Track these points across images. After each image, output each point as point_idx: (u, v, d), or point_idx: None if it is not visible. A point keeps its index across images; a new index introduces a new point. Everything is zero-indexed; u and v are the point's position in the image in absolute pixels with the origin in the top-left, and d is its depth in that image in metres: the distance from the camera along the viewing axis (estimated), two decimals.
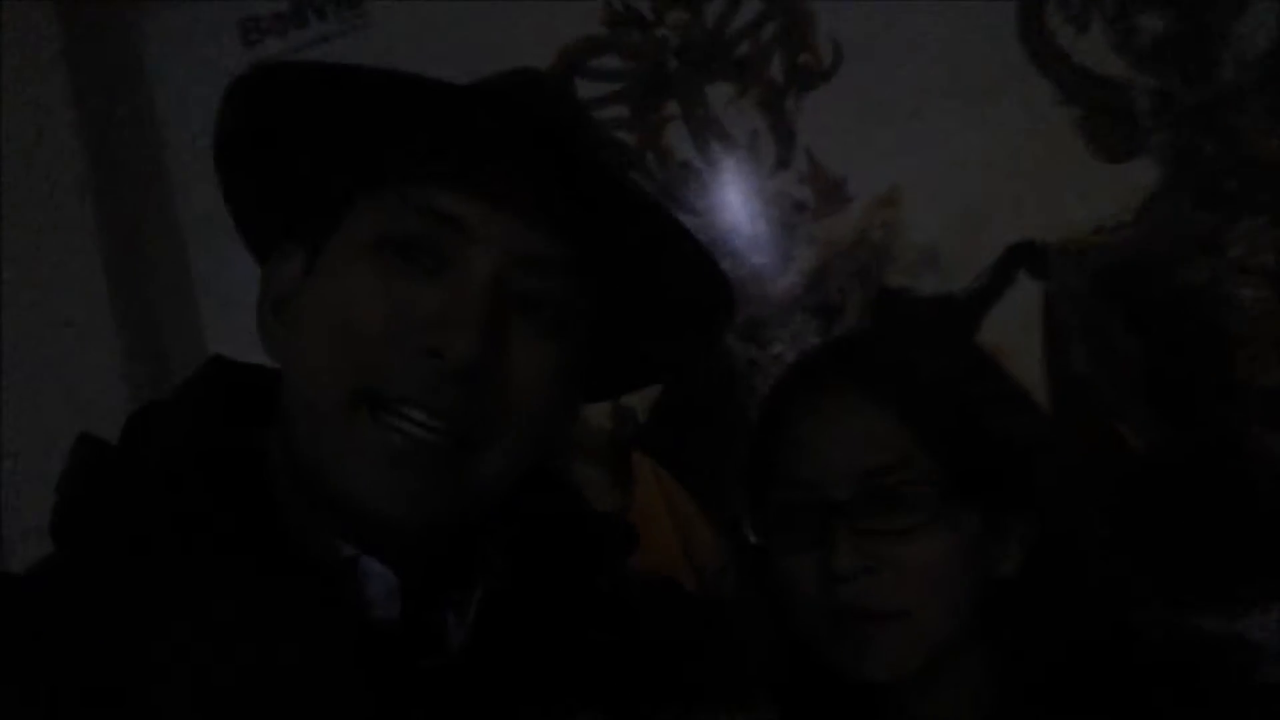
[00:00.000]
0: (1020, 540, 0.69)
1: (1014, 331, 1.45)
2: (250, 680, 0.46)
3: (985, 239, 1.48)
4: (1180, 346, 1.34)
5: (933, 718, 0.69)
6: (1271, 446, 1.27)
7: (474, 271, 0.52)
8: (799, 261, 1.58)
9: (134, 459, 0.54)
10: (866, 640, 0.65)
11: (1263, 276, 1.33)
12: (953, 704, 0.68)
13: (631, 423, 1.55)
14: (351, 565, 0.54)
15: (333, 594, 0.52)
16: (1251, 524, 1.25)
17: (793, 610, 0.68)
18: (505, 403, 0.53)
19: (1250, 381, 1.30)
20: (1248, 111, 1.38)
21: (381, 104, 0.52)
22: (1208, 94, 1.40)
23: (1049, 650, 0.65)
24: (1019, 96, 1.45)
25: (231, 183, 0.60)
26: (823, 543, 0.66)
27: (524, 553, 0.61)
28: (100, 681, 0.45)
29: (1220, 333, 1.31)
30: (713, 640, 0.70)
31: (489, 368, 0.51)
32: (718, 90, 1.63)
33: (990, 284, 1.48)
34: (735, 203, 1.62)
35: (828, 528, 0.66)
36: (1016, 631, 0.66)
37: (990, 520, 0.68)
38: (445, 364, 0.49)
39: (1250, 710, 0.62)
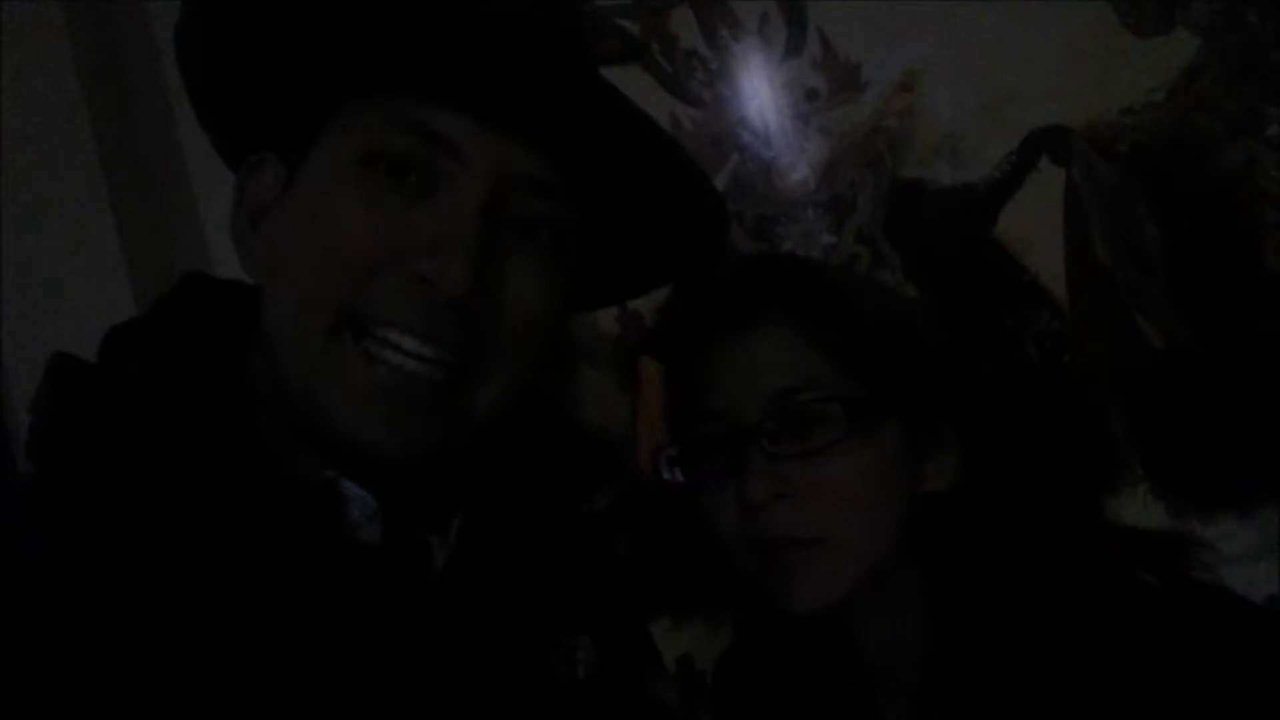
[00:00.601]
0: (947, 452, 0.66)
1: (1035, 222, 1.39)
2: (230, 609, 0.46)
3: (1007, 125, 1.41)
4: (1209, 236, 1.27)
5: (876, 646, 0.68)
6: None
7: (466, 195, 0.50)
8: (810, 154, 1.52)
9: (108, 381, 0.52)
10: (789, 570, 0.63)
11: None
12: (893, 631, 0.66)
13: (638, 327, 1.53)
14: (332, 488, 0.53)
15: (312, 518, 0.52)
16: (1272, 426, 1.20)
17: (722, 546, 0.67)
18: (499, 330, 0.52)
19: None
20: None
21: (374, 9, 0.49)
22: None
23: (981, 572, 0.62)
24: None
25: (202, 79, 0.56)
26: (737, 473, 0.64)
27: (508, 476, 0.60)
28: (77, 618, 0.45)
29: (1252, 221, 1.24)
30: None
31: (482, 295, 0.49)
32: None
33: (1011, 172, 1.41)
34: (744, 93, 1.55)
35: (741, 456, 0.64)
36: (948, 552, 0.64)
37: (912, 434, 0.65)
38: (437, 291, 0.48)
39: (1199, 616, 0.59)
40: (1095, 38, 1.34)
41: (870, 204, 1.48)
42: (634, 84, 1.65)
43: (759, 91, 1.55)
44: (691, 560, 0.75)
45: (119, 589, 0.46)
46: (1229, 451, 1.24)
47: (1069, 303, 1.35)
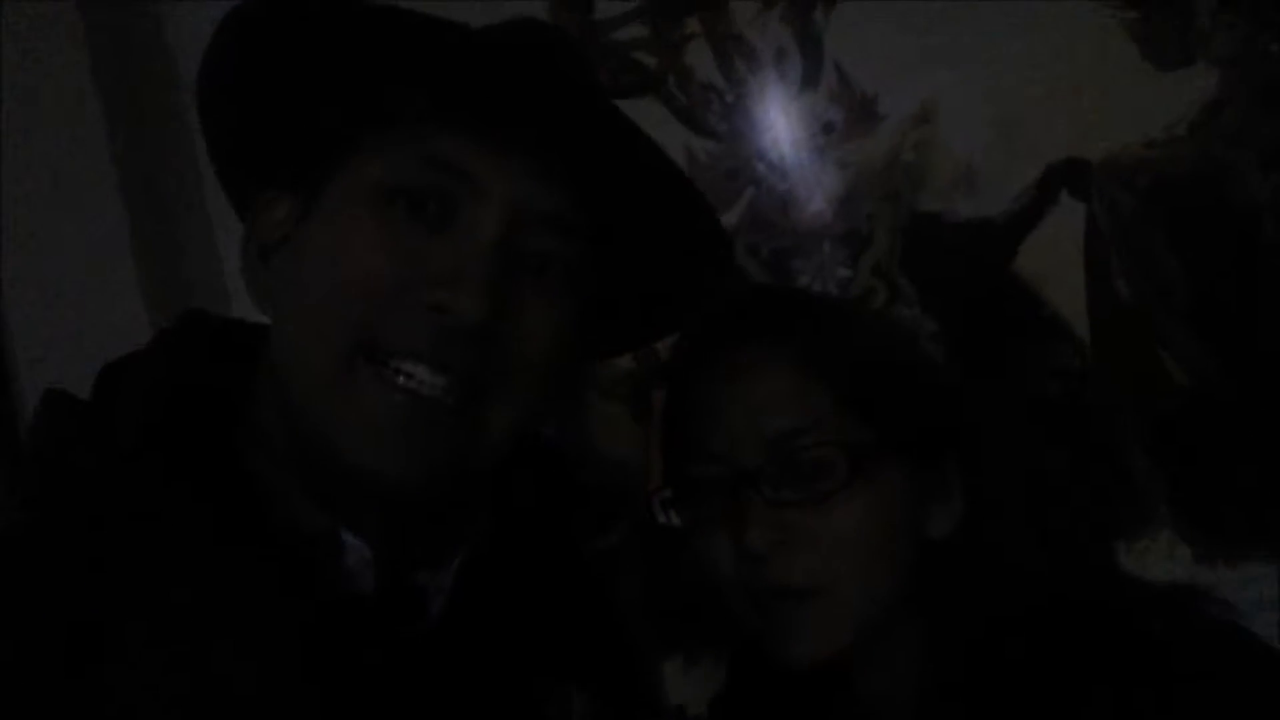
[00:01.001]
0: (952, 495, 0.63)
1: (1055, 257, 1.37)
2: (220, 659, 0.46)
3: (1025, 157, 1.39)
4: (1234, 272, 1.24)
5: (874, 694, 0.65)
6: None
7: (482, 226, 0.50)
8: (827, 187, 1.51)
9: (101, 418, 0.52)
10: (789, 620, 0.61)
11: None
12: (892, 679, 0.64)
13: (652, 357, 1.51)
14: (328, 536, 0.52)
15: (306, 566, 0.51)
16: None
17: (717, 594, 0.64)
18: (508, 363, 0.52)
19: None
20: None
21: (389, 43, 0.50)
22: None
23: (984, 622, 0.60)
24: None
25: (221, 122, 0.57)
26: (736, 519, 0.61)
27: (506, 520, 0.60)
28: (63, 658, 0.44)
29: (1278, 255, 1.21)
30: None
31: (495, 325, 0.50)
32: (742, 4, 1.54)
33: (1030, 206, 1.39)
34: (760, 125, 1.54)
35: (740, 502, 0.61)
36: (950, 597, 0.61)
37: (917, 477, 0.63)
38: (451, 321, 0.48)
39: (1199, 661, 0.56)
40: (1116, 70, 1.32)
41: (887, 237, 1.46)
42: (650, 116, 1.65)
43: (775, 124, 1.54)
44: (696, 598, 0.73)
45: (103, 633, 0.45)
46: (1258, 490, 1.20)
47: (1090, 338, 1.32)
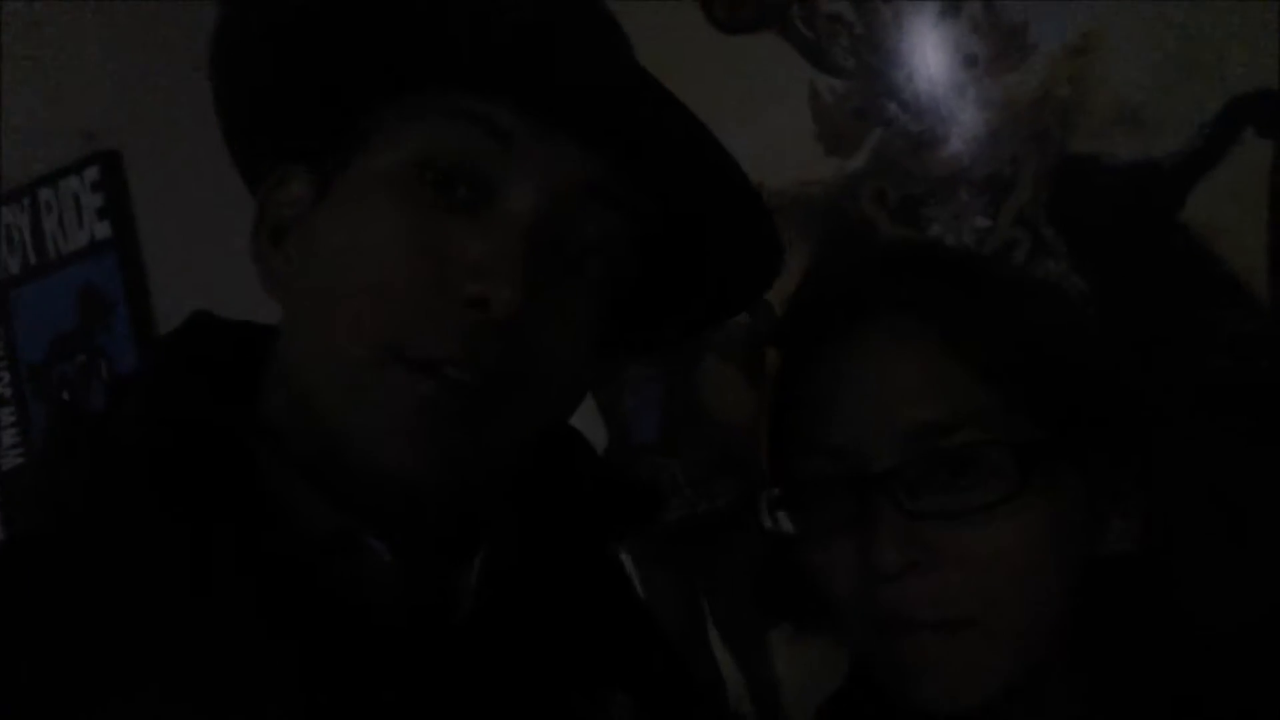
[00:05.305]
0: (1133, 509, 0.51)
1: (1232, 206, 1.21)
2: (242, 671, 0.44)
3: (1200, 91, 1.23)
4: None
5: None
6: None
7: (518, 209, 0.48)
8: (966, 126, 1.37)
9: (108, 429, 0.50)
10: (922, 658, 0.50)
11: None
12: None
13: (768, 316, 1.42)
14: (348, 538, 0.50)
15: (324, 571, 0.49)
16: None
17: (830, 617, 0.54)
18: (539, 354, 0.49)
19: None
20: None
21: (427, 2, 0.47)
22: None
23: (1166, 664, 0.48)
24: None
25: (235, 77, 0.53)
26: (862, 529, 0.50)
27: (532, 518, 0.57)
28: (71, 676, 0.42)
29: None
30: None
31: (529, 316, 0.47)
32: None
33: (1205, 146, 1.23)
34: (892, 60, 1.41)
35: (867, 511, 0.50)
36: (1122, 635, 0.49)
37: (1093, 487, 0.50)
38: (486, 313, 0.46)
39: None
40: None
41: (1033, 183, 1.32)
42: (769, 53, 1.54)
43: (909, 58, 1.40)
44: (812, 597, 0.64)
45: (110, 654, 0.43)
46: None
47: (1274, 300, 1.16)
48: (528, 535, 0.56)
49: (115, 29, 1.99)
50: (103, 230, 2.09)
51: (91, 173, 2.09)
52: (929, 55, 1.40)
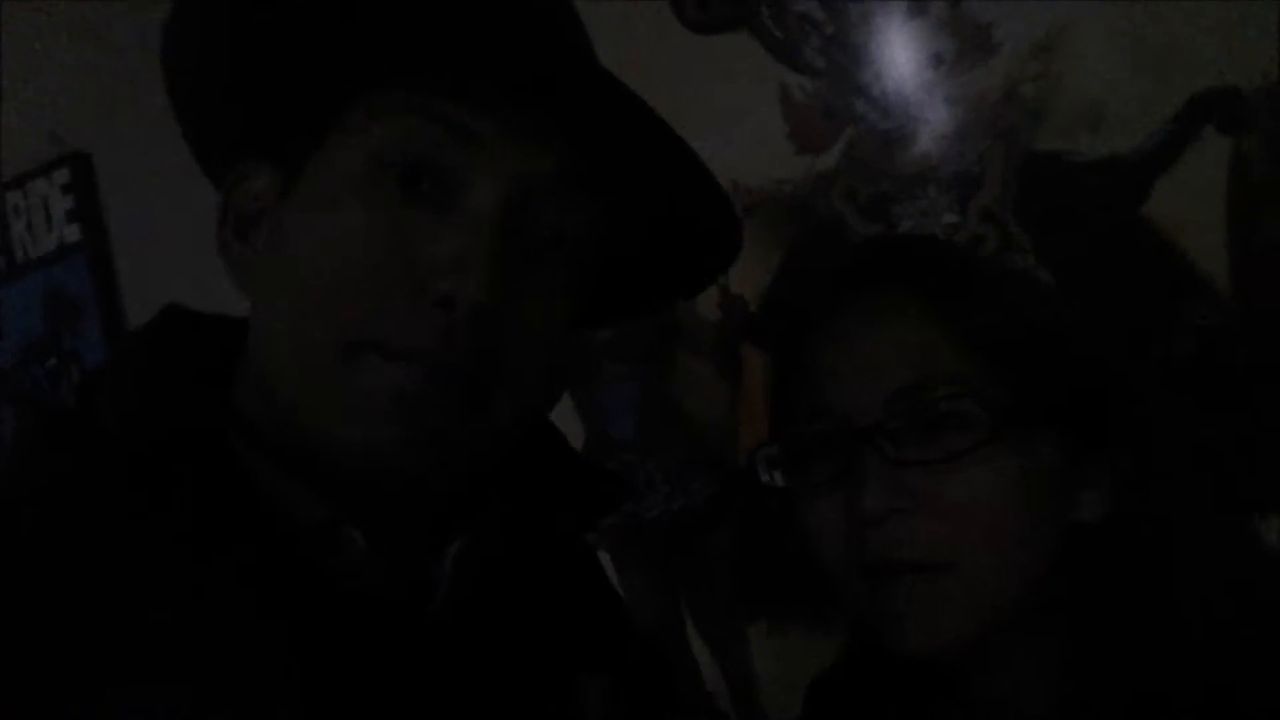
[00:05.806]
0: (1105, 476, 0.53)
1: (1193, 201, 1.23)
2: (223, 663, 0.44)
3: (1163, 89, 1.25)
4: None
5: (996, 703, 0.56)
6: None
7: (484, 203, 0.48)
8: (934, 124, 1.38)
9: (83, 424, 0.50)
10: (905, 599, 0.52)
11: None
12: (1020, 690, 0.54)
13: (741, 313, 1.43)
14: (328, 529, 0.50)
15: (305, 561, 0.49)
16: None
17: (824, 567, 0.56)
18: (515, 344, 0.49)
19: None
20: None
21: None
22: None
23: (1143, 626, 0.50)
24: None
25: (191, 77, 0.53)
26: (850, 481, 0.53)
27: (508, 506, 0.57)
28: (70, 661, 0.42)
29: None
30: None
31: (499, 309, 0.47)
32: None
33: (1167, 142, 1.25)
34: (861, 59, 1.43)
35: (855, 461, 0.53)
36: (1102, 598, 0.52)
37: (1067, 452, 0.53)
38: (456, 306, 0.46)
39: None
40: None
41: (1000, 180, 1.34)
42: (741, 52, 1.55)
43: (878, 57, 1.42)
44: (793, 566, 0.65)
45: (94, 650, 0.43)
46: None
47: (1234, 292, 1.19)
48: (505, 524, 0.56)
49: (83, 30, 1.97)
50: (72, 233, 2.07)
51: (61, 175, 2.07)
52: (897, 54, 1.41)
